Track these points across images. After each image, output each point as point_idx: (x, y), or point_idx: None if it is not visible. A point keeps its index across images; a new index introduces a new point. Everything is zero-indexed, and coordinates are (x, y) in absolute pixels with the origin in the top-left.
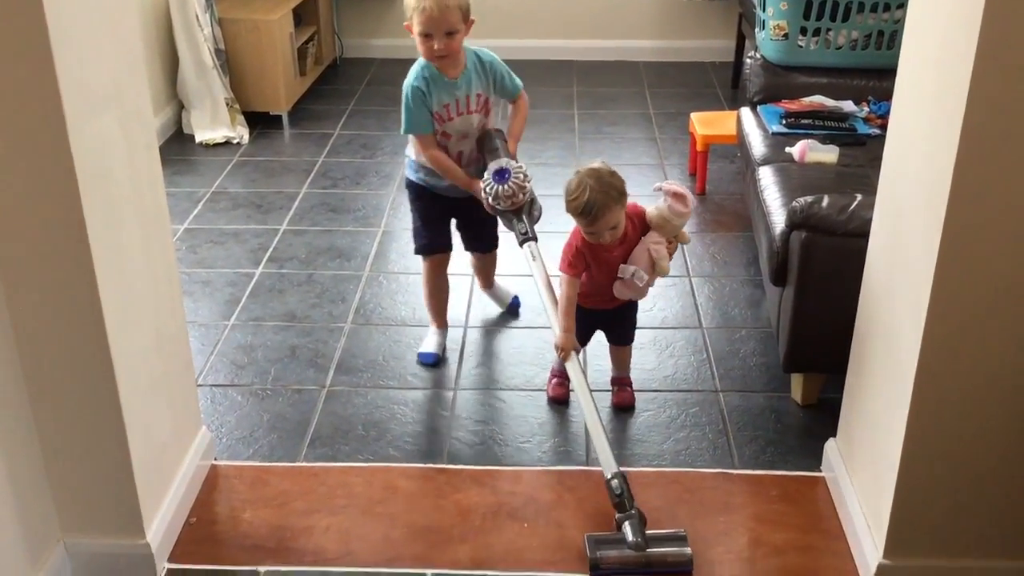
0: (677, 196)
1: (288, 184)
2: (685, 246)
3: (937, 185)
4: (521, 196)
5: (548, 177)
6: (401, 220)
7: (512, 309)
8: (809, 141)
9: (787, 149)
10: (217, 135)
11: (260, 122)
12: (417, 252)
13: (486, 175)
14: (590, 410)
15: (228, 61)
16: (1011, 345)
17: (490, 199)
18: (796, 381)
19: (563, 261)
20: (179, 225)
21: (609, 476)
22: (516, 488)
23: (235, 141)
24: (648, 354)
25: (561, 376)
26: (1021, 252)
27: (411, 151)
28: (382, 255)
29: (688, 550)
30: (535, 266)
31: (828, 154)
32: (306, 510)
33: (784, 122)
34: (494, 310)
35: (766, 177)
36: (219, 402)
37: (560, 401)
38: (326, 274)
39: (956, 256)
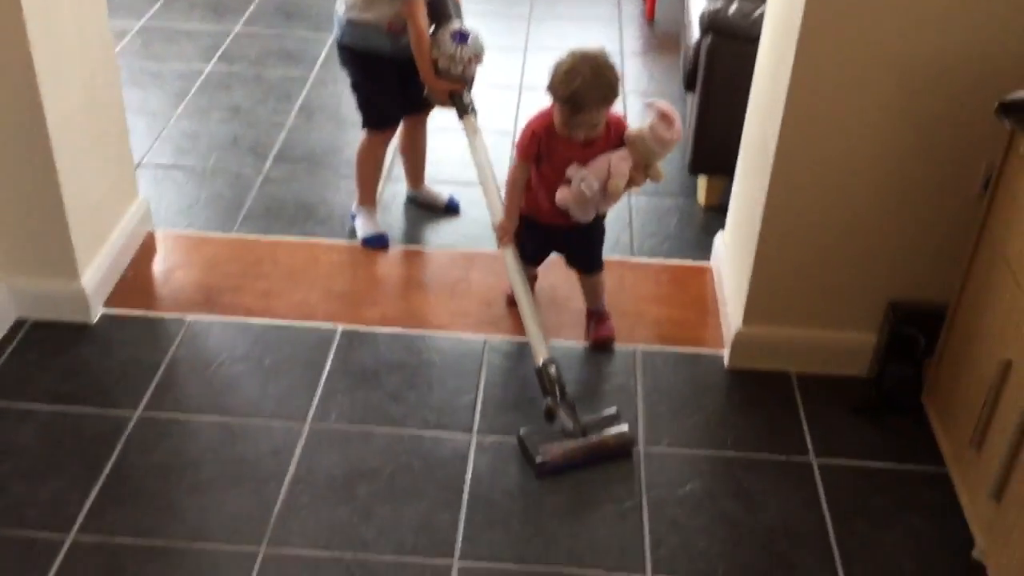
0: (663, 116)
1: None
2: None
3: None
4: (475, 63)
5: (503, 16)
6: None
7: (451, 208)
8: None
9: None
10: None
11: None
12: (372, 127)
13: (442, 33)
14: (522, 296)
15: None
16: (853, 138)
17: (442, 60)
18: (701, 184)
19: (518, 143)
20: (135, 23)
21: (542, 363)
22: (428, 265)
23: None
24: None
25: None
26: (868, 56)
27: (348, 9)
28: (331, 59)
29: (626, 427)
30: (476, 140)
31: None
32: (234, 273)
33: None
34: (433, 112)
35: None
36: (160, 180)
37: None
38: (274, 73)
39: (811, 52)
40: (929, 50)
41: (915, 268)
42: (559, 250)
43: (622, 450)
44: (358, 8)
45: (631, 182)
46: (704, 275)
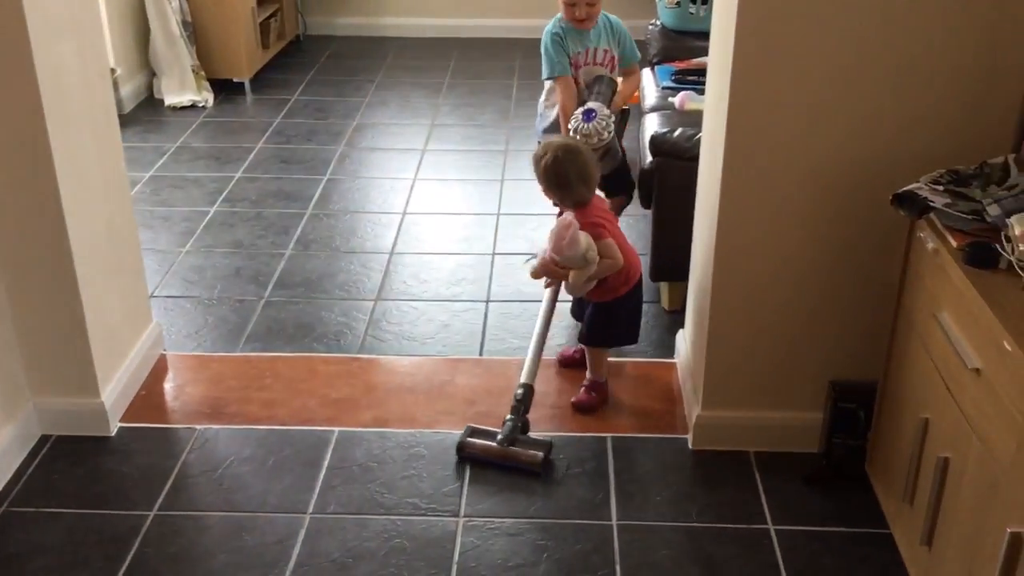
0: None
1: (246, 140)
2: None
3: (719, 128)
4: (596, 139)
5: (483, 135)
6: (345, 169)
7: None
8: (688, 92)
9: (669, 99)
10: (184, 99)
11: (224, 88)
12: None
13: (577, 111)
14: (540, 326)
15: (195, 32)
16: (781, 241)
17: (570, 132)
18: (663, 290)
19: None
20: (145, 173)
21: (520, 383)
22: (417, 372)
23: (200, 104)
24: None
25: (576, 351)
26: (785, 165)
27: (545, 109)
28: (325, 198)
29: (540, 455)
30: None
31: (702, 103)
32: (239, 387)
33: (673, 78)
34: (419, 238)
35: (650, 121)
36: (171, 309)
37: (564, 364)
38: (273, 212)
39: (734, 166)
40: (839, 156)
41: (850, 350)
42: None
43: (528, 468)
44: (548, 105)
45: (549, 274)
46: (670, 370)
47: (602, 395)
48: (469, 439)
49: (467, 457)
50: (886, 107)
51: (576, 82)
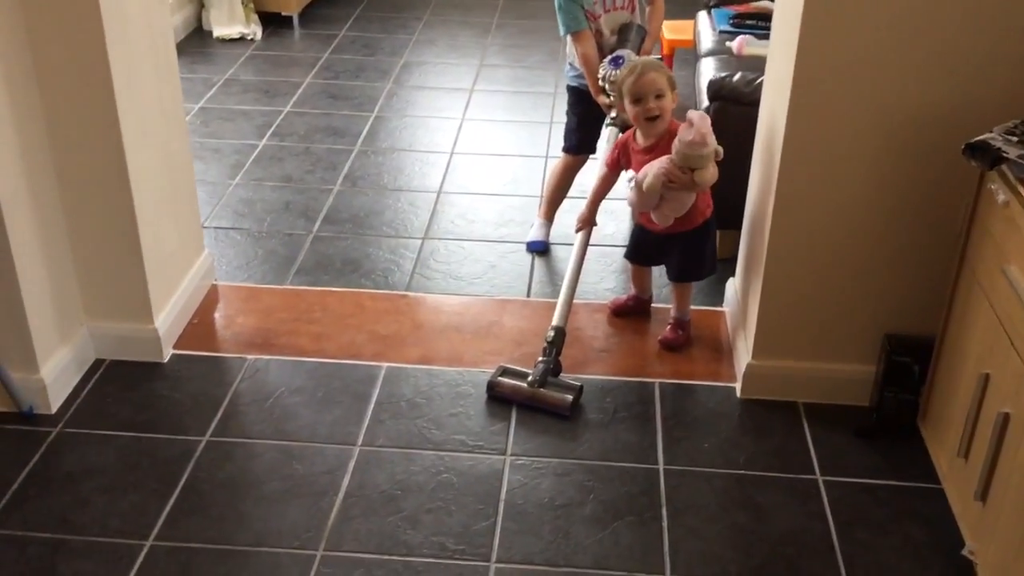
0: (688, 122)
1: (294, 75)
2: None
3: (786, 73)
4: None
5: (531, 77)
6: (393, 106)
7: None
8: (747, 36)
9: (727, 43)
10: (233, 31)
11: (273, 22)
12: (566, 150)
13: (605, 59)
14: (571, 271)
15: None
16: (843, 188)
17: (600, 79)
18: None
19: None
20: (194, 104)
21: (552, 325)
22: (464, 311)
23: (249, 37)
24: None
25: (629, 298)
26: (853, 110)
27: (571, 57)
28: (372, 135)
29: (569, 398)
30: (603, 148)
31: (762, 48)
32: (288, 319)
33: (731, 22)
34: (467, 178)
35: (705, 66)
36: (221, 240)
37: (618, 312)
38: (321, 147)
39: (801, 110)
40: (908, 102)
41: (908, 303)
42: (661, 258)
43: (555, 410)
44: (572, 56)
45: (673, 181)
46: (718, 318)
47: (688, 333)
48: (500, 378)
49: (496, 396)
50: (957, 53)
51: (599, 33)
